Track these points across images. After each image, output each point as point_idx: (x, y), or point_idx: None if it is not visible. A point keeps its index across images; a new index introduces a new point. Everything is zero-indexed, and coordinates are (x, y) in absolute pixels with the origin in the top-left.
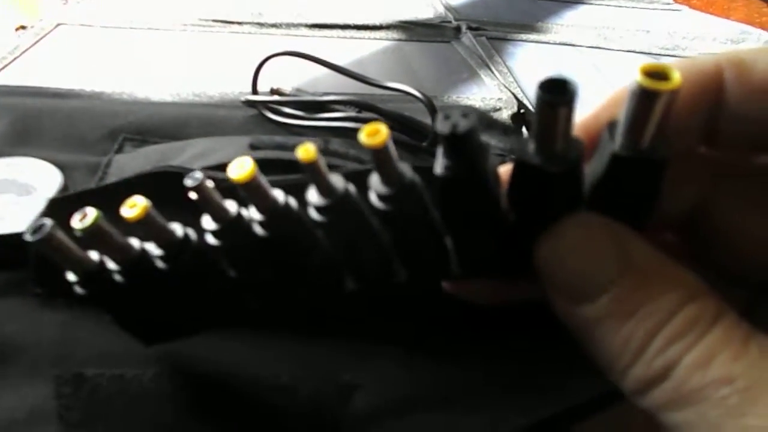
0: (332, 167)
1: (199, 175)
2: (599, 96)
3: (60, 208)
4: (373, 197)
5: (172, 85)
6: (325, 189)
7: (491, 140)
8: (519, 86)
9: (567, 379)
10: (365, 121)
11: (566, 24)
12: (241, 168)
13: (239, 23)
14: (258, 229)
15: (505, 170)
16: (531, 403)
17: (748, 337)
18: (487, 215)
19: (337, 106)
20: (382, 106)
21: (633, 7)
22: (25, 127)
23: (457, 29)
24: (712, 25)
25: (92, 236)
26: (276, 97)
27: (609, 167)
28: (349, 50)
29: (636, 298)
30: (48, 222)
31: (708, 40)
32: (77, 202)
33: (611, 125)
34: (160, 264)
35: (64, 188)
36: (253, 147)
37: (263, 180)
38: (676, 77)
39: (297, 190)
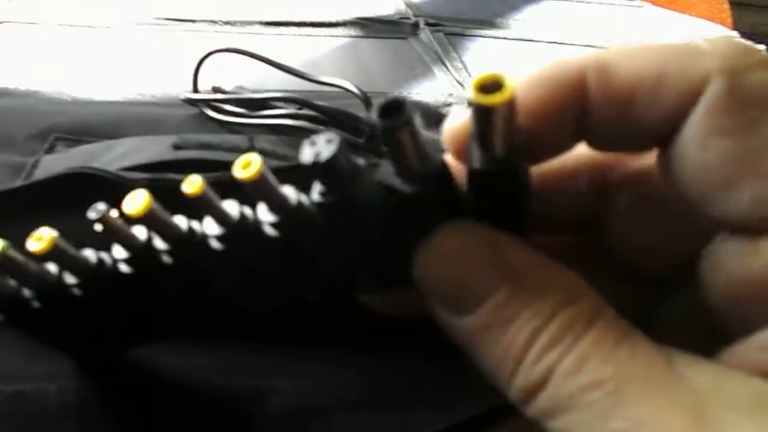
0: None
1: (102, 206)
2: None
3: None
4: (266, 228)
5: (116, 85)
6: (219, 218)
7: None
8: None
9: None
10: (306, 118)
11: (525, 19)
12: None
13: (192, 21)
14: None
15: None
16: (450, 405)
17: (621, 338)
18: (364, 233)
19: (277, 104)
20: (322, 104)
21: (596, 3)
22: None
23: (415, 25)
24: (674, 21)
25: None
26: (216, 95)
27: (468, 180)
28: (304, 48)
29: (514, 306)
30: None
31: (669, 37)
32: None
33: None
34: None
35: None
36: (177, 147)
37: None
38: (508, 88)
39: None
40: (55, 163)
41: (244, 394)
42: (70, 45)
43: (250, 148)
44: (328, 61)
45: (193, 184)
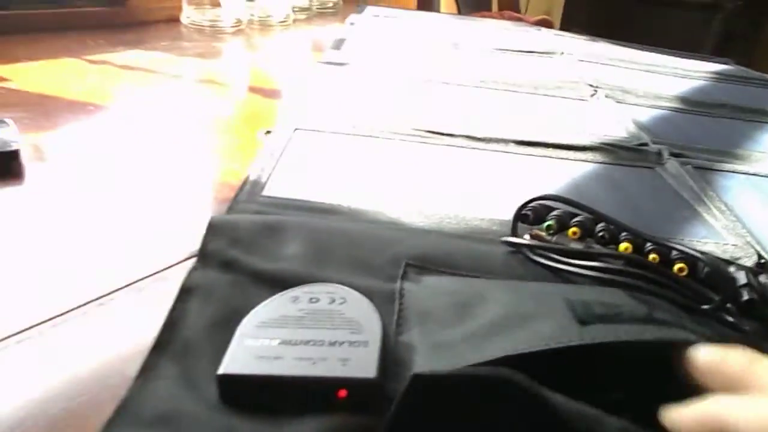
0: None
1: None
2: None
3: (426, 384)
4: None
5: (420, 205)
6: None
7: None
8: (745, 227)
9: None
10: (635, 276)
11: (766, 151)
12: None
13: (451, 135)
14: None
15: None
16: None
17: None
18: None
19: (603, 258)
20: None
21: None
22: (318, 247)
23: (659, 154)
24: None
25: None
26: (538, 243)
27: None
28: (557, 170)
29: None
30: None
31: None
32: (440, 383)
33: None
34: None
35: (383, 329)
36: (582, 321)
37: None
38: None
39: None
40: (419, 293)
41: None
42: (349, 152)
43: (649, 318)
44: (588, 187)
45: None
